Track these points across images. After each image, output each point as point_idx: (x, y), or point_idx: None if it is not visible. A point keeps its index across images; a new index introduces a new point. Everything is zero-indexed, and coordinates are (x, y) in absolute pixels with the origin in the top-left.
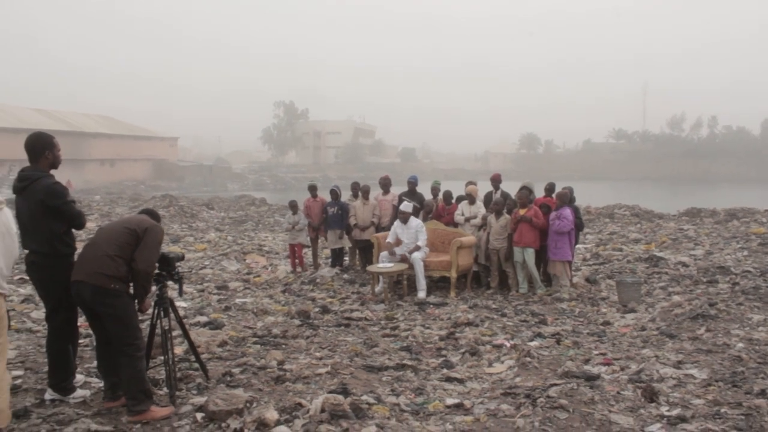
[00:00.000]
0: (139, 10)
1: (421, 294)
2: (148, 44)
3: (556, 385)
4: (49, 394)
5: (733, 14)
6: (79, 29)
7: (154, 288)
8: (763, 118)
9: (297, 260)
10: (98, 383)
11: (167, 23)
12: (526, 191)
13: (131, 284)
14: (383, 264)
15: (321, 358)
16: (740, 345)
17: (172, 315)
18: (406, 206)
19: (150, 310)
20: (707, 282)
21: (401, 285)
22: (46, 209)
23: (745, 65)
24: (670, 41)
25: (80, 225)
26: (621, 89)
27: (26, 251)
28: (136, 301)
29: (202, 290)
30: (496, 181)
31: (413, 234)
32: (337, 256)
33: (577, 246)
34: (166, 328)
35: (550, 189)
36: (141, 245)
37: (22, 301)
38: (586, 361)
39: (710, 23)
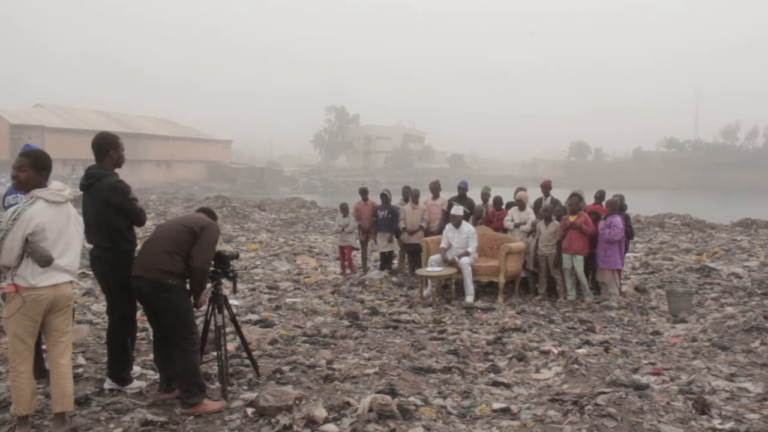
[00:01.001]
0: (193, 19)
1: (469, 298)
2: (201, 53)
3: (604, 393)
4: (108, 384)
5: None
6: (130, 37)
7: (209, 285)
8: None
9: (346, 262)
10: (154, 375)
11: (218, 32)
12: (576, 198)
13: (188, 280)
14: (432, 268)
15: (369, 359)
16: None
17: (225, 312)
18: (457, 210)
19: (205, 307)
20: (762, 294)
21: (449, 289)
22: (109, 206)
23: None
24: (720, 38)
25: (141, 222)
26: (671, 93)
27: (90, 246)
28: (192, 296)
29: (254, 289)
30: (546, 187)
31: (464, 239)
32: (386, 259)
33: (627, 255)
34: (220, 324)
35: (600, 197)
36: (198, 243)
37: (84, 294)
38: (635, 371)
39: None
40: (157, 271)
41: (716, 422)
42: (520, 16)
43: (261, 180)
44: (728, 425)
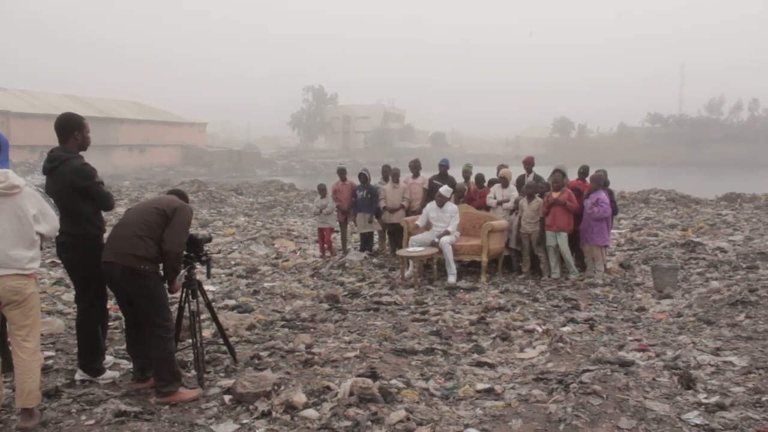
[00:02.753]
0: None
1: (452, 278)
2: (176, 29)
3: (589, 370)
4: (79, 375)
5: None
6: (104, 11)
7: (183, 270)
8: None
9: (326, 244)
10: (127, 365)
11: (193, 6)
12: (559, 174)
13: (161, 265)
14: (413, 248)
15: (350, 342)
16: None
17: (200, 297)
18: (446, 191)
19: (178, 292)
20: (747, 268)
21: (431, 269)
22: (74, 190)
23: None
24: (706, 13)
25: (108, 206)
26: (656, 69)
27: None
28: (167, 281)
29: (231, 274)
30: (528, 164)
31: (447, 218)
32: (366, 240)
33: (612, 231)
34: (194, 310)
35: (583, 172)
36: (170, 225)
37: (54, 284)
38: (621, 347)
39: None
40: (128, 257)
41: (702, 396)
42: None
43: (238, 163)
44: (713, 399)
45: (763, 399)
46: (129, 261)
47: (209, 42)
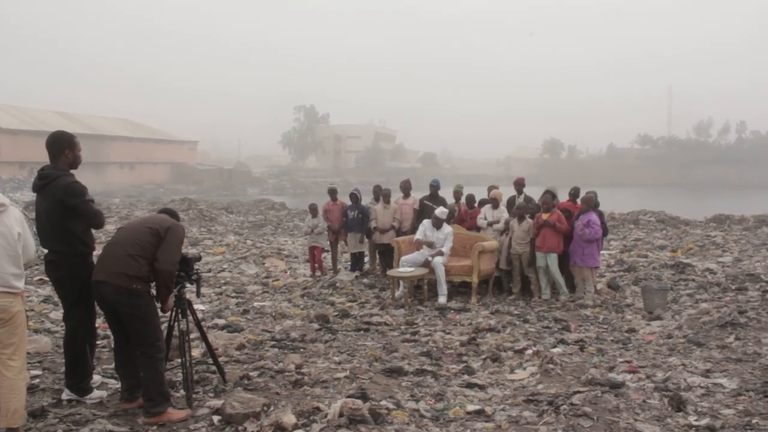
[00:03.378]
0: (155, 13)
1: (442, 299)
2: (167, 49)
3: (579, 392)
4: (66, 394)
5: (756, 9)
6: (97, 33)
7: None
8: None
9: (316, 264)
10: (115, 384)
11: (184, 28)
12: (549, 195)
13: (153, 284)
14: (404, 268)
15: (340, 363)
16: None
17: (190, 317)
18: (442, 213)
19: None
20: (736, 289)
21: (422, 290)
22: (64, 208)
23: None
24: (694, 39)
25: (98, 224)
26: (644, 91)
27: (45, 251)
28: (159, 301)
29: (221, 293)
30: (519, 185)
31: (442, 239)
32: (357, 260)
33: (602, 252)
34: (184, 329)
35: (574, 194)
36: (163, 245)
37: (42, 302)
38: (611, 369)
39: (732, 18)
40: (121, 276)
41: (692, 419)
42: (494, 14)
43: (228, 181)
44: (704, 421)
45: (753, 421)
46: (121, 280)
47: (200, 62)
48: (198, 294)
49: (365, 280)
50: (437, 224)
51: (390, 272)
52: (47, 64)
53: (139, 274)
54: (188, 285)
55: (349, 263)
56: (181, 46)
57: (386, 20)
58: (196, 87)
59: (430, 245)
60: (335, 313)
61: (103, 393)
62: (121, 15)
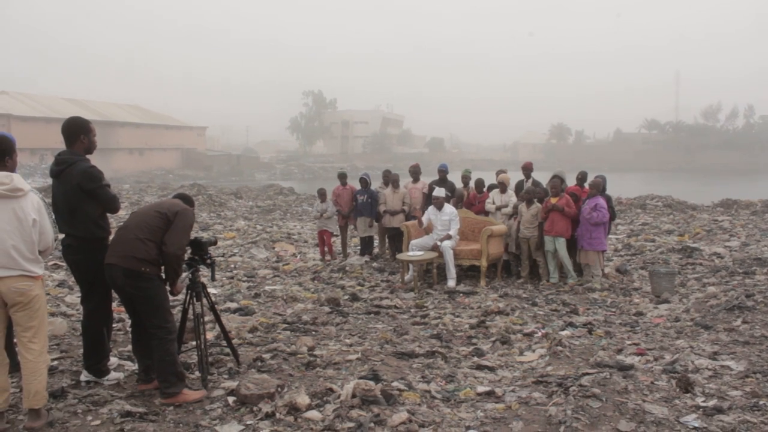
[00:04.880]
0: (164, 8)
1: (451, 282)
2: (176, 41)
3: (588, 374)
4: (84, 376)
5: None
6: (108, 28)
7: (187, 273)
8: None
9: (326, 248)
10: (132, 366)
11: (193, 20)
12: (557, 180)
13: (163, 267)
14: (413, 252)
15: (351, 345)
16: None
17: (204, 300)
18: (439, 191)
19: (182, 295)
20: (743, 273)
21: (431, 273)
22: (81, 192)
23: None
24: (701, 25)
25: (114, 209)
26: (652, 78)
27: (62, 235)
28: (168, 284)
29: (232, 277)
30: (527, 169)
31: (447, 222)
32: (366, 244)
33: (609, 236)
34: (198, 312)
35: (582, 178)
36: (171, 228)
37: (57, 286)
38: (619, 351)
39: (739, 5)
40: (130, 259)
41: (700, 400)
42: (503, 2)
43: (237, 167)
44: (711, 402)
45: (761, 402)
46: (130, 263)
47: (210, 54)
48: (212, 278)
49: (375, 264)
50: (438, 205)
51: (399, 256)
52: (54, 55)
53: (147, 257)
54: (203, 268)
55: (359, 247)
56: (191, 39)
57: (395, 10)
58: (205, 78)
59: (425, 235)
60: (345, 297)
61: (120, 374)
62: (130, 10)
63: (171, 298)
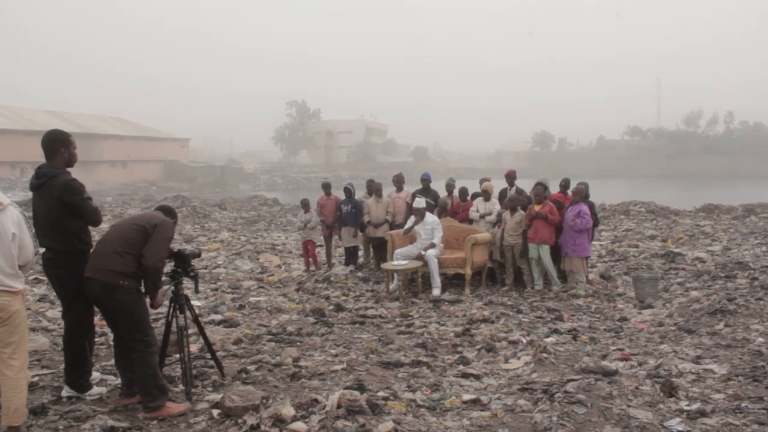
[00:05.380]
0: (147, 13)
1: (436, 291)
2: (161, 48)
3: (573, 380)
4: (65, 391)
5: (740, 12)
6: (90, 31)
7: (170, 285)
8: None
9: (310, 258)
10: (114, 380)
11: (177, 27)
12: (541, 187)
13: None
14: (397, 261)
15: (336, 355)
16: (760, 340)
17: (188, 312)
18: (419, 203)
19: (163, 307)
20: (725, 277)
21: (415, 282)
22: (62, 205)
23: (757, 59)
24: (682, 36)
25: (96, 222)
26: (633, 87)
27: (42, 249)
28: (149, 297)
29: (216, 289)
30: (510, 177)
31: (429, 231)
32: (351, 254)
33: (593, 243)
34: (182, 325)
35: (565, 185)
36: (150, 241)
37: (38, 300)
38: (604, 357)
39: (720, 18)
40: (107, 272)
41: (683, 404)
42: (486, 12)
43: (221, 178)
44: (695, 406)
45: (743, 405)
46: (107, 276)
47: (193, 61)
48: (196, 290)
49: (359, 274)
50: (418, 215)
51: (384, 265)
52: (38, 64)
53: (125, 270)
54: (186, 281)
55: (344, 257)
56: (175, 46)
57: (380, 19)
58: (189, 86)
59: (409, 245)
60: (330, 307)
61: (102, 389)
62: (121, 15)
63: (154, 311)
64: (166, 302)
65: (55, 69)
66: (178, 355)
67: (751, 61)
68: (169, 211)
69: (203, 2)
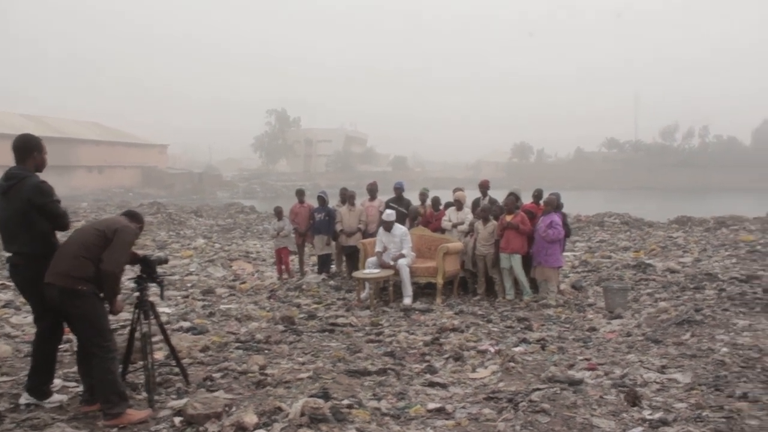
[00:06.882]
0: (122, 13)
1: (407, 300)
2: (141, 51)
3: (539, 389)
4: (24, 399)
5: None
6: (70, 33)
7: (133, 291)
8: (753, 128)
9: (283, 266)
10: (76, 387)
11: (156, 27)
12: (513, 197)
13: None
14: (369, 270)
15: (303, 363)
16: (724, 350)
17: (153, 318)
18: (389, 215)
19: (128, 313)
20: (694, 288)
21: (387, 291)
22: (31, 208)
23: (738, 76)
24: (658, 51)
25: (64, 225)
26: (612, 100)
27: (8, 254)
28: (109, 303)
29: (187, 296)
30: (484, 187)
31: (398, 242)
32: (323, 262)
33: (566, 253)
34: (146, 331)
35: (537, 195)
36: (110, 246)
37: (2, 306)
38: (571, 366)
39: (693, 36)
40: (65, 277)
41: (646, 413)
42: (464, 21)
43: (199, 185)
44: (657, 415)
45: (704, 414)
46: (65, 281)
47: (171, 65)
48: (161, 296)
49: (332, 282)
50: (387, 227)
51: (355, 274)
52: (15, 63)
53: (83, 275)
54: (153, 286)
55: (317, 266)
56: (155, 47)
57: (360, 28)
58: (169, 91)
59: (381, 259)
60: (301, 315)
61: (63, 397)
62: (101, 13)
63: (114, 317)
64: (131, 308)
65: (33, 68)
66: (142, 362)
67: (726, 78)
68: (134, 216)
69: (180, 4)
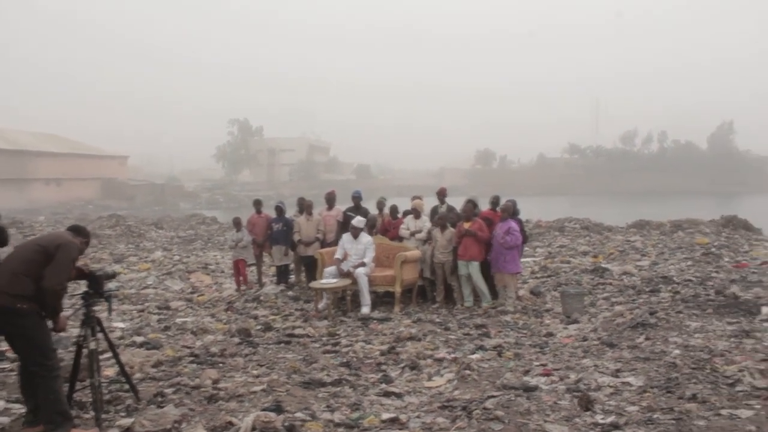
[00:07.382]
0: (82, 13)
1: (365, 309)
2: (98, 54)
3: (493, 396)
4: None
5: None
6: (22, 38)
7: (80, 307)
8: (709, 134)
9: (241, 278)
10: (19, 409)
11: (117, 31)
12: (470, 204)
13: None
14: (327, 280)
15: (258, 376)
16: (676, 352)
17: (100, 335)
18: (359, 221)
19: (75, 330)
20: (650, 291)
21: (345, 301)
22: None
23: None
24: (618, 62)
25: (2, 241)
26: (573, 111)
27: None
28: (51, 320)
29: (142, 310)
30: (441, 195)
31: (362, 250)
32: (282, 273)
33: (525, 259)
34: (93, 348)
35: (495, 202)
36: (52, 263)
37: None
38: (526, 373)
39: (651, 48)
40: (3, 295)
41: (599, 417)
42: (428, 31)
43: (161, 196)
44: (609, 419)
45: (655, 416)
46: (4, 300)
47: (130, 71)
48: (109, 312)
49: (290, 293)
50: (355, 234)
51: (313, 284)
52: None
53: (22, 293)
54: (101, 302)
55: (275, 276)
56: (115, 52)
57: (324, 36)
58: (127, 98)
59: (341, 266)
60: (258, 327)
61: (5, 419)
62: (54, 14)
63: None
64: (77, 325)
65: None
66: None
67: (684, 86)
68: (79, 231)
69: (140, 8)
